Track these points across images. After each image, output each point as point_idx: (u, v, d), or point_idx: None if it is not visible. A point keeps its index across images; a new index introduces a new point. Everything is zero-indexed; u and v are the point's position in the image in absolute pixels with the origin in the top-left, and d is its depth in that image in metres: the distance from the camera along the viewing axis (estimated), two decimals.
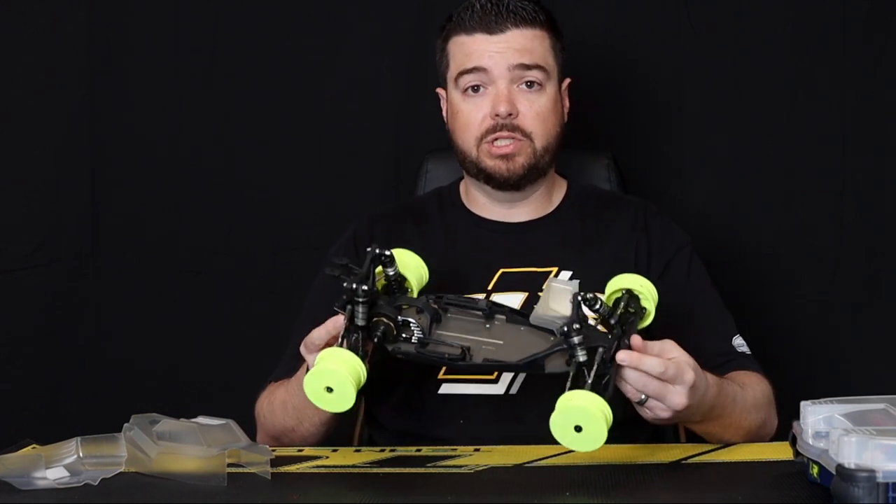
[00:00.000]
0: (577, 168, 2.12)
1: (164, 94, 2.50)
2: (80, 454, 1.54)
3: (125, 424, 1.57)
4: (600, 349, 1.49)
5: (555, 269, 1.91)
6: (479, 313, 1.59)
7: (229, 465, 1.50)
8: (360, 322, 1.55)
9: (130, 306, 2.52)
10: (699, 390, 1.58)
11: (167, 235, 2.51)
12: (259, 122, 2.51)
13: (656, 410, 1.57)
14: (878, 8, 2.42)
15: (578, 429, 1.43)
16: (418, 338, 1.56)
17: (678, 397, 1.55)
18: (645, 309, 1.61)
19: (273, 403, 1.84)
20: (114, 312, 2.52)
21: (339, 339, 1.55)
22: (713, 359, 1.82)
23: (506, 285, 1.90)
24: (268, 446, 1.59)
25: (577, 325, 1.49)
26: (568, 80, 1.98)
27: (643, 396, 1.55)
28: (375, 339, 1.56)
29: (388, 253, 1.60)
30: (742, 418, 1.74)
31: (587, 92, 2.14)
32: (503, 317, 1.58)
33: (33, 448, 1.61)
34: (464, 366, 1.56)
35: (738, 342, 1.88)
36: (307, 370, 1.65)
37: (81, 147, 2.51)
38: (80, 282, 2.51)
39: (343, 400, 1.49)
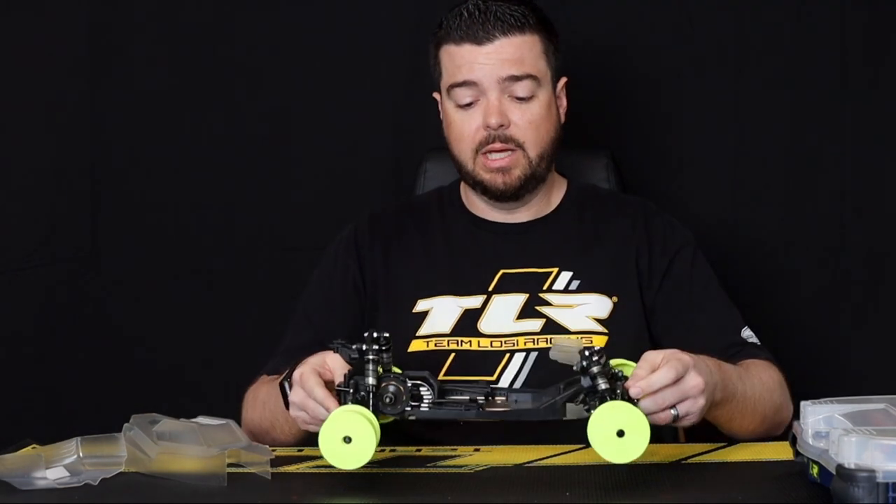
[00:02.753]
0: (576, 167, 2.12)
1: (164, 94, 2.50)
2: (80, 454, 1.54)
3: (125, 424, 1.57)
4: (620, 375, 1.47)
5: (555, 270, 1.91)
6: (480, 396, 1.52)
7: (229, 465, 1.50)
8: (371, 380, 1.48)
9: (130, 306, 2.52)
10: (700, 365, 1.57)
11: (167, 235, 2.51)
12: (259, 122, 2.51)
13: (691, 412, 1.54)
14: (879, 8, 2.42)
15: (621, 433, 1.41)
16: (429, 400, 1.50)
17: (693, 380, 1.53)
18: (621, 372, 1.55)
19: (256, 400, 1.84)
20: (114, 312, 2.52)
21: (344, 399, 1.49)
22: (723, 352, 1.82)
23: (506, 286, 1.90)
24: (268, 446, 1.59)
25: (596, 355, 1.45)
26: (564, 80, 1.96)
27: (674, 413, 1.52)
28: (388, 404, 1.48)
29: (386, 335, 1.51)
30: (755, 400, 1.73)
31: (587, 91, 2.14)
32: (503, 397, 1.52)
33: (33, 448, 1.61)
34: (485, 415, 1.50)
35: (747, 333, 1.88)
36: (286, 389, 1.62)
37: (81, 146, 2.51)
38: (80, 282, 2.51)
39: (360, 454, 1.43)
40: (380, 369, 1.49)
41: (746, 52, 2.45)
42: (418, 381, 1.50)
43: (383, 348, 1.49)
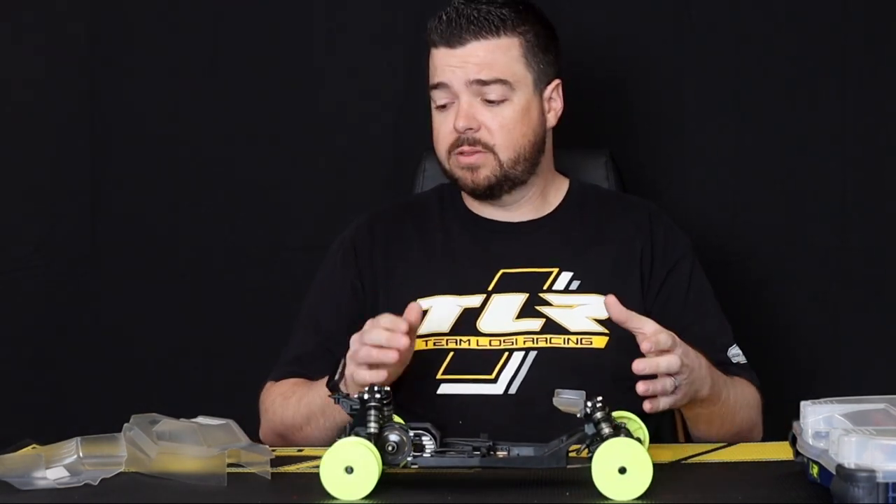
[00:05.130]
0: (576, 167, 2.12)
1: (164, 93, 2.50)
2: (80, 454, 1.54)
3: (125, 424, 1.57)
4: (623, 426, 1.47)
5: (555, 270, 1.91)
6: (478, 452, 1.51)
7: (229, 465, 1.50)
8: (373, 429, 1.46)
9: (130, 306, 2.52)
10: (688, 352, 1.63)
11: (167, 235, 2.51)
12: (259, 122, 2.51)
13: (680, 389, 1.61)
14: (879, 8, 2.42)
15: (623, 471, 1.40)
16: (432, 449, 1.49)
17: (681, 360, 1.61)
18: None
19: (287, 398, 1.85)
20: (113, 312, 2.52)
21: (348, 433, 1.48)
22: None
23: (506, 286, 1.90)
24: (268, 446, 1.59)
25: (599, 402, 1.45)
26: (556, 82, 1.94)
27: (676, 381, 1.59)
28: (390, 453, 1.47)
29: (387, 389, 1.50)
30: (736, 410, 1.76)
31: (587, 91, 2.14)
32: (504, 452, 1.51)
33: (33, 448, 1.61)
34: (489, 462, 1.49)
35: (734, 352, 1.89)
36: (334, 376, 1.66)
37: (81, 146, 2.51)
38: (80, 282, 2.51)
39: (361, 484, 1.42)
40: (381, 420, 1.48)
41: (746, 52, 2.45)
42: (420, 431, 1.49)
43: (384, 400, 1.49)
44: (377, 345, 1.63)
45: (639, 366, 1.57)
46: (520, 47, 1.89)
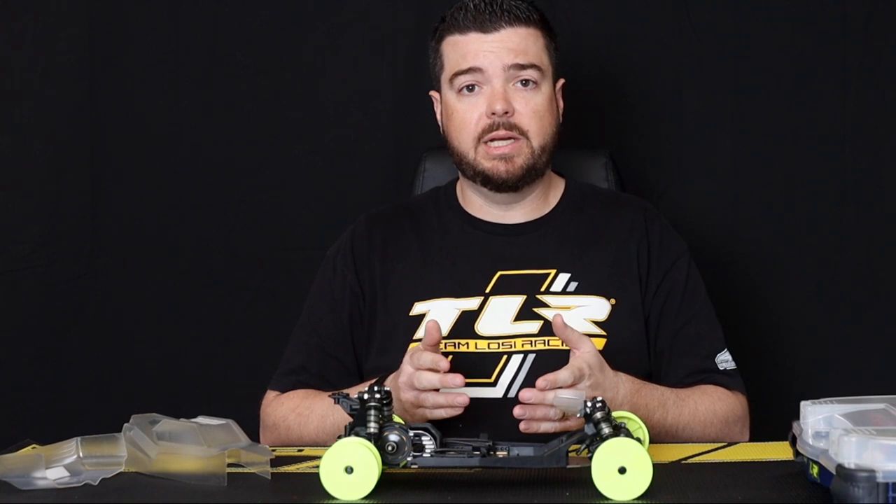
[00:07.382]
0: (575, 167, 2.12)
1: (164, 93, 2.50)
2: (80, 454, 1.54)
3: (125, 424, 1.58)
4: (623, 425, 1.48)
5: (553, 271, 1.90)
6: (478, 452, 1.51)
7: (229, 465, 1.50)
8: (373, 429, 1.47)
9: (130, 306, 2.51)
10: (604, 381, 1.69)
11: (167, 235, 2.51)
12: (259, 122, 2.50)
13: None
14: (878, 8, 2.42)
15: (623, 471, 1.40)
16: (432, 449, 1.49)
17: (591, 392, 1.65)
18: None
19: (306, 417, 1.84)
20: (113, 312, 2.52)
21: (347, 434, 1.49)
22: (688, 377, 1.85)
23: (504, 288, 1.90)
24: (268, 446, 1.59)
25: (599, 402, 1.46)
26: (562, 81, 1.97)
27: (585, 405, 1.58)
28: (390, 452, 1.48)
29: (387, 389, 1.51)
30: (678, 428, 1.78)
31: (586, 91, 2.14)
32: (504, 451, 1.52)
33: (33, 448, 1.61)
34: (489, 462, 1.49)
35: (722, 359, 1.89)
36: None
37: (81, 147, 2.51)
38: (80, 282, 2.51)
39: (361, 485, 1.42)
40: (381, 420, 1.48)
41: (746, 52, 2.45)
42: (420, 431, 1.50)
43: (384, 400, 1.49)
44: (433, 388, 1.66)
45: (525, 395, 1.62)
46: (543, 39, 1.92)
